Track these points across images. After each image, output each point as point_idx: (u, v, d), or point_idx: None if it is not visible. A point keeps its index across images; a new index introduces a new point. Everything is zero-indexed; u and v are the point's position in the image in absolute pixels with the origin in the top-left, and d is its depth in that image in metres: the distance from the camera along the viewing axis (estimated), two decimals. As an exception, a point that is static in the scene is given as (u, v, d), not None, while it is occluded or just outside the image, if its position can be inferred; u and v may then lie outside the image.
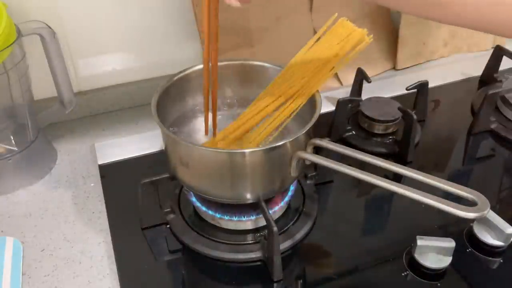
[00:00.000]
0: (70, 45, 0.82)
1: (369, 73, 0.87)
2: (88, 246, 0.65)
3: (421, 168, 0.56)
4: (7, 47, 0.64)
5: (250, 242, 0.64)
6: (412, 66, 1.03)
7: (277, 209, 0.66)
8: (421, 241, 0.60)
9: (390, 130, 0.82)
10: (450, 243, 0.60)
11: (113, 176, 0.75)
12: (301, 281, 0.62)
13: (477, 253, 0.64)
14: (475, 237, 0.64)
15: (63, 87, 0.75)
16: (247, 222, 0.65)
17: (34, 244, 0.65)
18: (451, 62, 1.05)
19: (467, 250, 0.64)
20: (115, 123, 0.87)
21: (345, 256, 0.64)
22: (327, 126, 0.83)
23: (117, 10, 0.82)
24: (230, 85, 0.73)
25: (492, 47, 0.98)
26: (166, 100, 0.65)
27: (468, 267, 0.63)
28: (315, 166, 0.72)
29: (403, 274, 0.61)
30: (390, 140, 0.82)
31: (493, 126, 0.85)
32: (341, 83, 0.97)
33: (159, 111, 0.61)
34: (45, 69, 0.73)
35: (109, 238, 0.66)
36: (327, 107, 0.85)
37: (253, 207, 0.64)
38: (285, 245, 0.63)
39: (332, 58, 0.63)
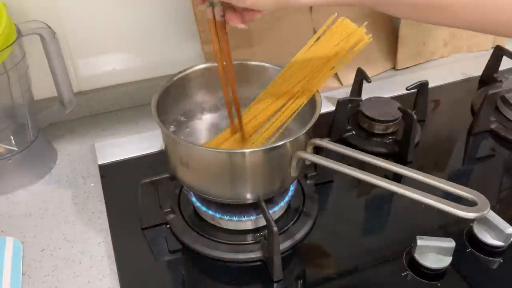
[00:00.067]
0: (70, 45, 0.82)
1: (369, 73, 0.87)
2: (88, 246, 0.65)
3: (421, 168, 0.56)
4: (7, 47, 0.64)
5: (250, 242, 0.64)
6: (412, 66, 1.03)
7: (277, 209, 0.66)
8: (421, 241, 0.60)
9: (390, 130, 0.82)
10: (450, 243, 0.60)
11: (113, 176, 0.75)
12: (301, 281, 0.62)
13: (477, 253, 0.64)
14: (475, 237, 0.64)
15: (63, 87, 0.75)
16: (247, 222, 0.65)
17: (34, 244, 0.65)
18: (451, 62, 1.05)
19: (467, 250, 0.64)
20: (115, 123, 0.87)
21: (345, 256, 0.64)
22: (327, 126, 0.83)
23: (117, 10, 0.82)
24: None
25: (492, 47, 0.97)
26: (166, 100, 0.65)
27: (468, 267, 0.63)
28: (315, 166, 0.72)
29: (403, 274, 0.61)
30: (390, 140, 0.82)
31: (493, 126, 0.85)
32: (341, 83, 0.97)
33: (159, 111, 0.61)
34: (45, 69, 0.73)
35: (109, 238, 0.66)
36: (327, 107, 0.85)
37: (253, 207, 0.64)
38: (285, 245, 0.63)
39: (332, 57, 0.63)
